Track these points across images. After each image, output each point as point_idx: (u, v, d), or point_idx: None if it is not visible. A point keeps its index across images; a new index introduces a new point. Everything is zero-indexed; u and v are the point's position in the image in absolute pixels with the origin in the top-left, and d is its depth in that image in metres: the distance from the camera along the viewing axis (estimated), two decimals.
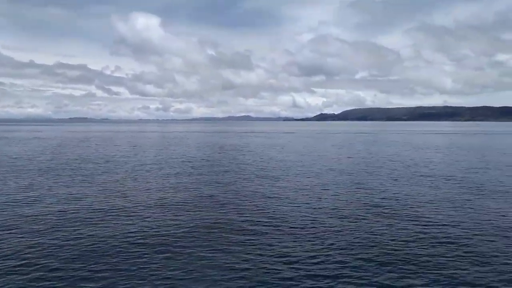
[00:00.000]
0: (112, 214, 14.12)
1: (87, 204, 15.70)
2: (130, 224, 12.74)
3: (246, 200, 16.64)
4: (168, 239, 11.12)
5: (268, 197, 17.31)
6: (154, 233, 11.69)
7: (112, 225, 12.61)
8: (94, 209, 14.73)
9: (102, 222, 12.91)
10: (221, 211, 14.68)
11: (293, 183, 20.99)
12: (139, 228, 12.30)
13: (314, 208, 15.13)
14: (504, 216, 13.85)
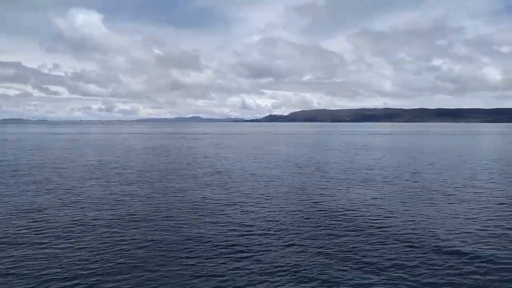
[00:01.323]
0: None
1: None
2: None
3: (189, 206, 14.29)
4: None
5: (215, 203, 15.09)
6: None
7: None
8: None
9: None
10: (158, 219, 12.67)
11: (248, 188, 17.71)
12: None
13: (251, 212, 13.89)
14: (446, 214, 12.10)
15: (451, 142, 57.28)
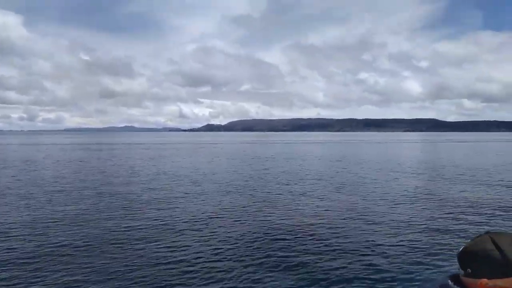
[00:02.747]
0: None
1: None
2: None
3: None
4: None
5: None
6: None
7: None
8: None
9: None
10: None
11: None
12: None
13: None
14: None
15: (382, 150, 59.99)
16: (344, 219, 12.91)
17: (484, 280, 1.37)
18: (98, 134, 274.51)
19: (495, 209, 13.94)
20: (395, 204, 15.03)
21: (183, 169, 28.34)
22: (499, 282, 1.35)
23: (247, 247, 9.90)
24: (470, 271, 1.41)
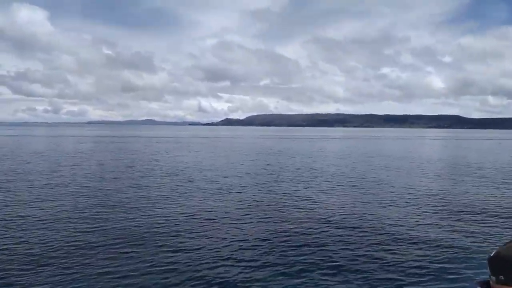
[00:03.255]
0: None
1: None
2: None
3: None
4: None
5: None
6: None
7: None
8: None
9: None
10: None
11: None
12: None
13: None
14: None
15: (406, 146, 58.77)
16: (364, 219, 12.59)
17: None
18: (119, 127, 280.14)
19: None
20: (422, 203, 14.64)
21: (197, 164, 28.57)
22: None
23: (260, 246, 9.76)
24: (502, 278, 1.35)
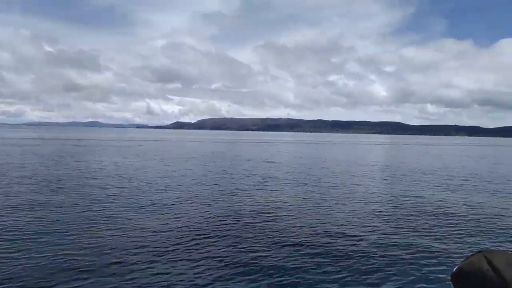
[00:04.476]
0: None
1: None
2: None
3: None
4: None
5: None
6: None
7: None
8: None
9: None
10: None
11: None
12: None
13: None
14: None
15: (354, 151, 59.84)
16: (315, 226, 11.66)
17: None
18: (60, 129, 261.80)
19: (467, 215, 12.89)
20: (370, 206, 13.81)
21: (140, 170, 26.09)
22: None
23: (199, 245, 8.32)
24: None
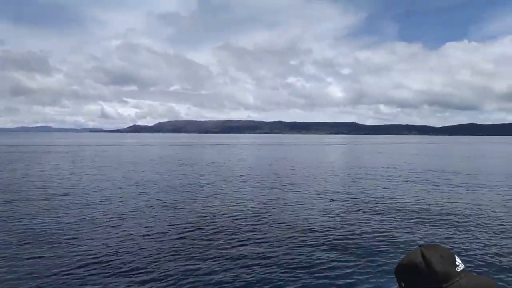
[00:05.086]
0: None
1: None
2: None
3: None
4: None
5: None
6: None
7: None
8: None
9: None
10: None
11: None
12: None
13: None
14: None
15: (315, 151, 59.64)
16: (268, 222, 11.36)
17: None
18: (7, 135, 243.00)
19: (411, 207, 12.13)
20: (331, 211, 12.70)
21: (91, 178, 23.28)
22: None
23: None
24: (403, 285, 1.47)
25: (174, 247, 9.00)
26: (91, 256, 8.31)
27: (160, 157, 44.08)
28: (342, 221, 11.50)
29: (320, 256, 8.32)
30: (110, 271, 7.51)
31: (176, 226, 11.02)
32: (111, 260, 8.04)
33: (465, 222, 11.23)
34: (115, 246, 9.05)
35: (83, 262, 7.99)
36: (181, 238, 9.74)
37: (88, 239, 9.81)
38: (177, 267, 7.66)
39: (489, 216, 11.98)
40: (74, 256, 8.44)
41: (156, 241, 9.49)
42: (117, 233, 10.24)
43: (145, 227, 11.05)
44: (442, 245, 1.47)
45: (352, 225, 10.99)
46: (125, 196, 16.36)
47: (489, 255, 8.22)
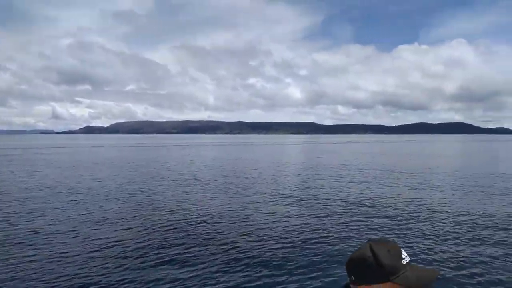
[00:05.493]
0: None
1: None
2: None
3: None
4: None
5: None
6: None
7: None
8: None
9: None
10: None
11: None
12: None
13: None
14: None
15: (277, 151, 59.02)
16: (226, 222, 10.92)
17: (364, 287, 1.48)
18: None
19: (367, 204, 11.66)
20: (288, 208, 11.82)
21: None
22: (375, 287, 1.46)
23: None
24: (353, 278, 1.51)
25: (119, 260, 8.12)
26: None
27: (106, 160, 41.36)
28: (294, 220, 11.32)
29: (273, 255, 8.19)
30: None
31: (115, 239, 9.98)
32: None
33: (410, 217, 11.44)
34: (36, 265, 7.96)
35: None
36: (125, 249, 8.84)
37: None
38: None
39: (432, 211, 12.31)
40: None
41: (98, 255, 8.48)
42: (40, 249, 8.89)
43: (77, 243, 9.40)
44: (389, 239, 1.53)
45: (304, 224, 10.79)
46: (55, 207, 14.39)
47: (433, 247, 8.40)
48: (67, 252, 8.44)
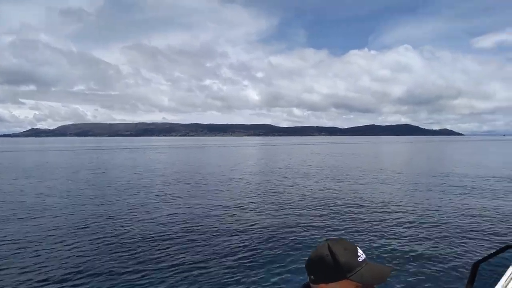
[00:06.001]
0: None
1: None
2: None
3: None
4: None
5: None
6: None
7: None
8: None
9: None
10: None
11: None
12: None
13: None
14: None
15: (236, 153, 58.69)
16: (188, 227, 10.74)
17: (322, 285, 1.52)
18: None
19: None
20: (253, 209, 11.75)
21: None
22: (333, 285, 1.50)
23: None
24: (313, 277, 1.55)
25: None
26: None
27: (39, 165, 39.10)
28: (254, 223, 11.34)
29: (235, 257, 8.24)
30: None
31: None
32: None
33: (365, 216, 11.86)
34: None
35: None
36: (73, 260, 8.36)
37: None
38: None
39: (384, 210, 12.82)
40: None
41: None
42: None
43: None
44: (345, 239, 1.57)
45: (263, 227, 10.83)
46: None
47: (386, 244, 8.73)
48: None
